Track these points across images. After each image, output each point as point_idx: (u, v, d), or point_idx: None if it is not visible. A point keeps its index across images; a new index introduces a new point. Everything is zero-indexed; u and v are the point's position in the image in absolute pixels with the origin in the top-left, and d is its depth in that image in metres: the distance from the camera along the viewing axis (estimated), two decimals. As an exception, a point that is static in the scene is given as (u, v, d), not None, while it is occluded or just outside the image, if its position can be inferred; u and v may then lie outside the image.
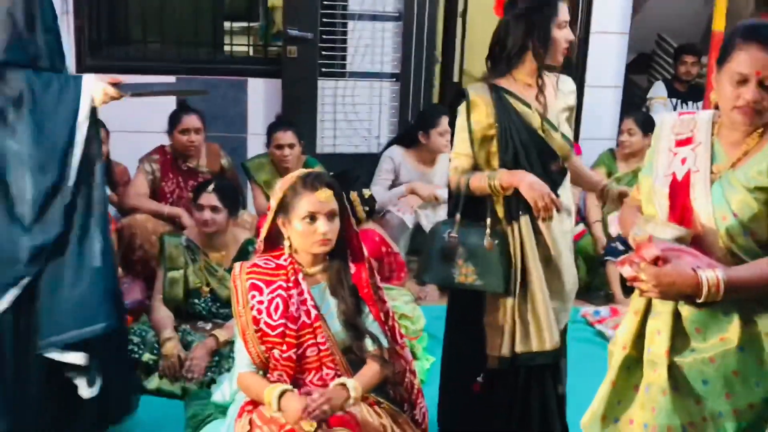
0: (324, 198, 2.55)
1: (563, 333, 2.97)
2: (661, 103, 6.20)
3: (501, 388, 2.96)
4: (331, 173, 4.56)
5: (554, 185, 2.82)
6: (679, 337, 2.02)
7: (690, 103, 6.20)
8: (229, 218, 4.02)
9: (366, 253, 2.65)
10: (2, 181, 2.68)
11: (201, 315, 4.04)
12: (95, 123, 2.80)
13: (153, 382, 3.82)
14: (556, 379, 2.99)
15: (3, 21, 2.67)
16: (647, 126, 5.04)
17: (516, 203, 2.81)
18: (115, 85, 2.80)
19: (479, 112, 2.83)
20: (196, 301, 4.03)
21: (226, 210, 3.98)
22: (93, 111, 2.78)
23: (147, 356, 3.83)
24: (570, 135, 2.92)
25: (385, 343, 2.62)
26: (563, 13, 2.80)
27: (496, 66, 2.85)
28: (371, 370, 2.58)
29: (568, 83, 2.97)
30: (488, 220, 2.83)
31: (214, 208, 3.95)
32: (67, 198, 2.71)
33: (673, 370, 1.99)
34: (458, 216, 2.87)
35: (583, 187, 3.39)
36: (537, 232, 2.84)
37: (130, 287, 4.31)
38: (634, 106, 6.14)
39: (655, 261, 1.90)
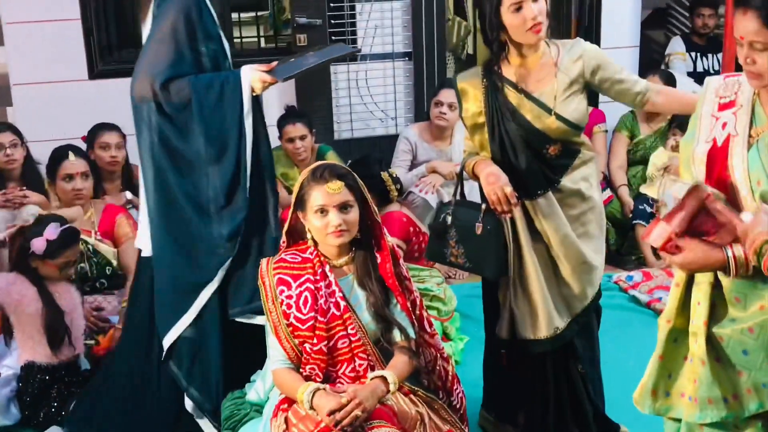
0: (334, 190, 2.52)
1: (584, 313, 2.90)
2: (680, 58, 6.08)
3: (528, 369, 2.94)
4: (350, 161, 4.58)
5: (554, 169, 2.78)
6: (719, 308, 1.97)
7: (710, 55, 6.08)
8: None
9: (390, 242, 2.62)
10: (186, 182, 2.95)
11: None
12: (259, 110, 3.00)
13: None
14: (574, 360, 2.95)
15: (167, 41, 2.91)
16: (669, 84, 4.94)
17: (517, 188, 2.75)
18: (269, 72, 2.94)
19: (468, 100, 2.81)
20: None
21: None
22: (255, 99, 2.96)
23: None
24: (579, 110, 2.74)
25: (412, 333, 2.60)
26: None
27: (492, 50, 2.78)
28: (401, 360, 2.56)
29: (572, 51, 2.76)
30: (483, 205, 2.80)
31: None
32: (246, 184, 2.94)
33: (713, 341, 1.95)
34: (454, 198, 2.90)
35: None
36: (531, 219, 2.81)
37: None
38: (654, 64, 6.03)
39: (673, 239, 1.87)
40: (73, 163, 4.21)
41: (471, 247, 2.83)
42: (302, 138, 4.87)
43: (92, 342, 3.85)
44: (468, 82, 2.81)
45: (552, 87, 2.73)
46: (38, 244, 3.49)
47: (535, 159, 2.77)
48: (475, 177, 2.81)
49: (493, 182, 2.69)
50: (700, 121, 2.04)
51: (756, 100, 1.96)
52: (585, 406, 2.96)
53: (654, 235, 1.90)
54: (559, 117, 2.72)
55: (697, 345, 1.97)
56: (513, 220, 2.81)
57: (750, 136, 1.94)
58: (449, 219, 2.86)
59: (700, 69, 6.01)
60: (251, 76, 2.92)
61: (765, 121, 1.94)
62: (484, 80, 2.77)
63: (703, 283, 1.98)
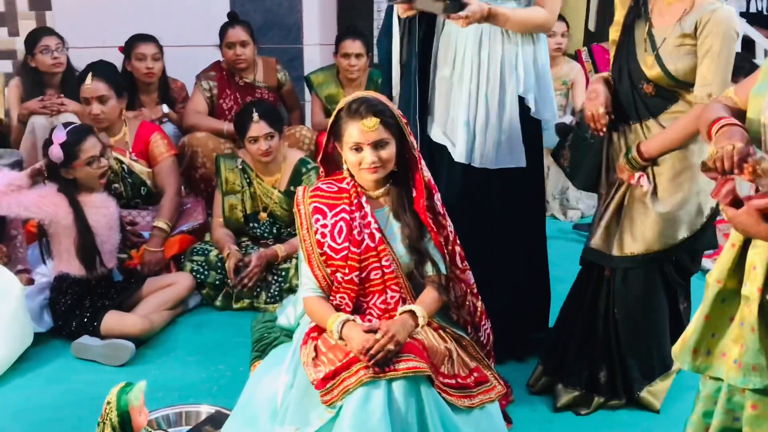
0: (369, 127, 2.47)
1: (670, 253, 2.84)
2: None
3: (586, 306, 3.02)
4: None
5: (647, 107, 2.77)
6: None
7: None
8: (280, 140, 3.99)
9: (426, 177, 2.58)
10: None
11: (263, 237, 4.08)
12: None
13: (220, 299, 3.91)
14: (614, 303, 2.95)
15: None
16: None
17: (615, 112, 2.84)
18: None
19: (617, 8, 2.88)
20: (255, 225, 4.05)
21: (277, 133, 3.94)
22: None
23: (212, 275, 3.91)
24: (680, 64, 2.66)
25: (443, 269, 2.59)
26: None
27: None
28: (430, 295, 2.56)
29: (705, 9, 2.61)
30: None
31: (268, 136, 3.90)
32: None
33: (765, 309, 1.90)
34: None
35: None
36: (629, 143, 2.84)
37: (193, 208, 4.35)
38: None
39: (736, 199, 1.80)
40: (89, 87, 4.02)
41: (575, 154, 3.01)
42: (358, 56, 4.81)
43: (125, 256, 3.90)
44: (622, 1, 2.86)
45: (667, 29, 2.69)
46: (55, 152, 3.46)
47: (632, 90, 2.79)
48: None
49: (593, 99, 2.81)
50: None
51: None
52: (613, 353, 2.97)
53: (723, 191, 1.83)
54: (657, 59, 2.69)
55: (749, 310, 1.92)
56: (611, 139, 2.89)
57: None
58: (575, 123, 3.01)
59: (753, 9, 5.79)
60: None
61: None
62: (634, 5, 2.80)
63: (761, 246, 1.91)
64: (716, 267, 2.02)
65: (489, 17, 2.88)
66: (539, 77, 3.12)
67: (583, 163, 2.98)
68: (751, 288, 1.91)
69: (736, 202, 1.82)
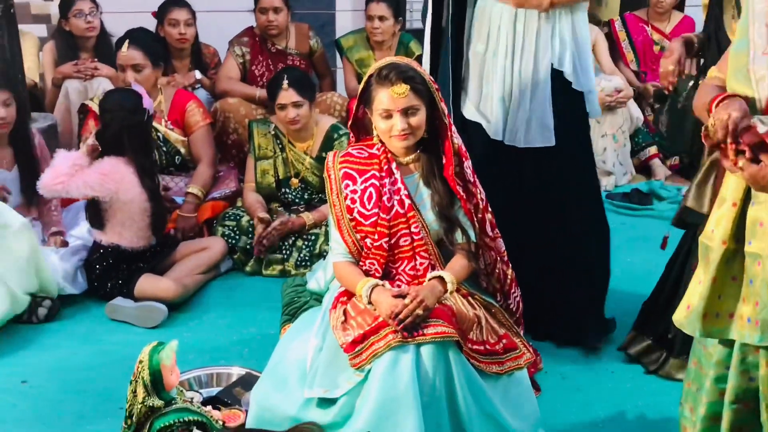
0: (399, 94, 2.46)
1: None
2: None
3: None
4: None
5: None
6: None
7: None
8: (311, 107, 3.98)
9: (457, 143, 2.57)
10: None
11: (295, 203, 4.09)
12: None
13: (250, 264, 3.94)
14: None
15: None
16: None
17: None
18: None
19: None
20: (287, 190, 4.07)
21: (307, 101, 3.93)
22: None
23: (243, 240, 3.94)
24: None
25: (473, 236, 2.58)
26: None
27: None
28: (459, 262, 2.55)
29: None
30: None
31: (296, 104, 3.89)
32: None
33: None
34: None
35: None
36: None
37: (225, 175, 4.37)
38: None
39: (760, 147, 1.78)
40: (124, 54, 4.06)
41: (673, 117, 3.25)
42: (381, 18, 4.79)
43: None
44: None
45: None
46: (146, 102, 3.55)
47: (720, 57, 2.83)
48: None
49: (667, 56, 2.94)
50: (752, 29, 1.89)
51: None
52: None
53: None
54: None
55: (761, 267, 1.90)
56: None
57: None
58: (675, 88, 3.04)
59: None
60: None
61: None
62: None
63: (766, 202, 1.90)
64: (717, 228, 1.99)
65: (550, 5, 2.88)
66: (578, 48, 3.05)
67: (677, 127, 3.02)
68: (761, 244, 1.89)
69: (754, 160, 1.81)
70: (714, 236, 1.99)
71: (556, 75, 3.01)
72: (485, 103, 3.06)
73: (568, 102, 3.06)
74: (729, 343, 2.03)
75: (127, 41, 4.06)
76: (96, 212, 3.59)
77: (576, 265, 3.17)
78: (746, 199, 1.95)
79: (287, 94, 3.88)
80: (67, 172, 3.41)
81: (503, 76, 3.00)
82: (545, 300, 3.13)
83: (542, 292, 3.11)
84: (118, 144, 3.51)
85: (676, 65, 2.83)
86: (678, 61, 2.83)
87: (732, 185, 1.97)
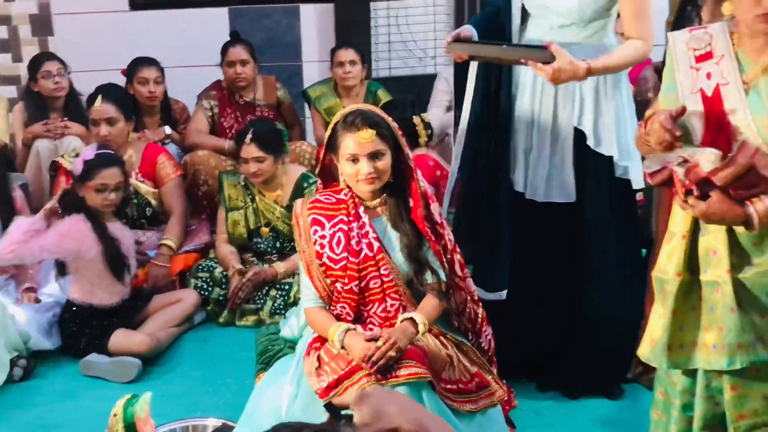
0: (365, 138, 2.51)
1: None
2: None
3: None
4: (381, 103, 4.57)
5: None
6: (735, 254, 1.98)
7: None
8: (276, 161, 3.99)
9: (423, 187, 2.62)
10: None
11: (267, 252, 4.11)
12: None
13: (224, 316, 3.94)
14: None
15: None
16: None
17: None
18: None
19: None
20: (259, 240, 4.09)
21: (270, 156, 3.95)
22: None
23: (216, 291, 3.94)
24: None
25: (443, 276, 2.62)
26: None
27: None
28: (430, 303, 2.59)
29: None
30: None
31: (257, 159, 3.93)
32: None
33: (736, 287, 1.96)
34: None
35: None
36: None
37: (197, 229, 4.38)
38: None
39: (705, 184, 1.88)
40: (98, 108, 4.08)
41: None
42: (352, 63, 4.87)
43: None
44: None
45: None
46: (76, 165, 3.54)
47: None
48: None
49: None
50: (678, 75, 2.05)
51: (737, 50, 2.00)
52: None
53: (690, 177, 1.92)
54: None
55: (720, 294, 1.97)
56: None
57: (744, 83, 1.97)
58: None
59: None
60: None
61: (753, 67, 1.97)
62: None
63: (717, 230, 1.99)
64: (669, 262, 2.08)
65: (587, 75, 2.66)
66: (599, 108, 2.89)
67: None
68: (717, 272, 1.98)
69: (703, 196, 1.91)
70: (668, 269, 2.08)
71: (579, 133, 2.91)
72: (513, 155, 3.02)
73: (592, 162, 2.94)
74: (692, 372, 2.08)
75: (100, 96, 4.10)
76: (63, 273, 3.61)
77: (605, 319, 3.04)
78: (695, 230, 2.04)
79: (249, 149, 3.92)
80: (19, 240, 3.41)
81: (526, 129, 2.97)
82: (571, 352, 3.14)
83: (567, 342, 3.12)
84: (80, 200, 3.54)
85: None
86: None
87: (680, 220, 2.07)
